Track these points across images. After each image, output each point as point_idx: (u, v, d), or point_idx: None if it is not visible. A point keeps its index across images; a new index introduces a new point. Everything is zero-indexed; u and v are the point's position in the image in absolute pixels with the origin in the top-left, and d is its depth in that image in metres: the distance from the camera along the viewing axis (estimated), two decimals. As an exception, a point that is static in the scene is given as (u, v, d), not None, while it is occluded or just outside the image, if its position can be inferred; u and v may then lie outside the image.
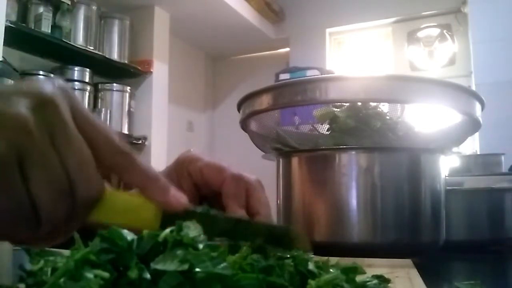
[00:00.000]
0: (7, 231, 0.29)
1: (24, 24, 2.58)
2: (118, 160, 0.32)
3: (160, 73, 3.45)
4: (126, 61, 3.23)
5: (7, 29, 2.32)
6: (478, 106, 0.74)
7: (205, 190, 0.46)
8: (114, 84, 3.18)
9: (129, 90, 3.25)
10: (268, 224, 0.40)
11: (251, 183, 0.45)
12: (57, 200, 0.29)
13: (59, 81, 0.32)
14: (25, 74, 2.67)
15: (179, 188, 0.44)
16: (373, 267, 0.50)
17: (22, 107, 0.28)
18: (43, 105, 0.29)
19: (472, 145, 2.79)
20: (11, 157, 0.27)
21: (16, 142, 0.28)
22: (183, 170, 0.46)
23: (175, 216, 0.33)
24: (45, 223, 0.29)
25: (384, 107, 0.77)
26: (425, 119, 0.80)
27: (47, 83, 0.31)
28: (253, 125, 0.84)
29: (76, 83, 2.93)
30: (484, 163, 1.24)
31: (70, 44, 2.81)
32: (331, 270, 0.31)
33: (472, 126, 0.77)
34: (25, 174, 0.28)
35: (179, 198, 0.34)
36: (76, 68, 2.93)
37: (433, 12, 3.75)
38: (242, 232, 0.38)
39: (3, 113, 0.28)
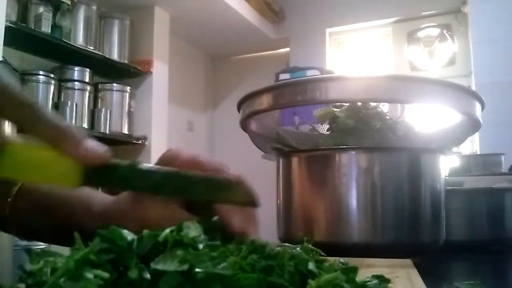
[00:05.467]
0: None
1: (24, 24, 2.58)
2: (22, 112, 0.30)
3: (160, 73, 3.45)
4: (126, 61, 3.23)
5: (7, 29, 2.32)
6: (478, 106, 0.74)
7: None
8: (114, 84, 3.18)
9: (129, 90, 3.25)
10: (208, 176, 0.37)
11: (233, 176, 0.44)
12: None
13: None
14: (25, 74, 2.67)
15: None
16: (373, 267, 0.50)
17: None
18: None
19: (472, 145, 2.79)
20: None
21: None
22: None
23: (99, 170, 0.31)
24: None
25: (384, 107, 0.77)
26: (425, 119, 0.80)
27: None
28: (253, 125, 0.84)
29: (76, 83, 2.93)
30: (484, 163, 1.24)
31: (70, 44, 2.81)
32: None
33: (472, 126, 0.77)
34: None
35: (94, 149, 0.32)
36: (76, 68, 2.93)
37: (433, 12, 3.75)
38: (178, 186, 0.35)
39: None
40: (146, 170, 0.34)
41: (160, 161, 0.46)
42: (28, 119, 0.30)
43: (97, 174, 0.31)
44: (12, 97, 0.30)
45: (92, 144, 0.32)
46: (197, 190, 0.35)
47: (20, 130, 0.31)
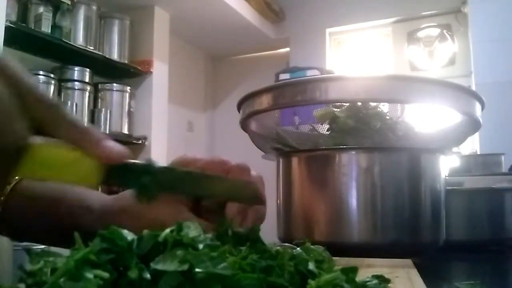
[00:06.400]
0: None
1: (24, 24, 2.58)
2: (46, 113, 0.31)
3: (160, 73, 3.45)
4: (126, 61, 3.23)
5: (7, 29, 2.32)
6: (478, 106, 0.74)
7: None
8: (114, 84, 3.18)
9: (129, 90, 3.25)
10: (224, 178, 0.39)
11: (254, 177, 0.45)
12: None
13: None
14: (25, 74, 2.67)
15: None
16: (373, 267, 0.50)
17: None
18: None
19: (472, 145, 2.79)
20: None
21: None
22: None
23: (118, 169, 0.32)
24: None
25: (384, 107, 0.77)
26: (425, 119, 0.80)
27: None
28: (253, 125, 0.84)
29: (76, 83, 2.93)
30: (484, 163, 1.24)
31: (70, 44, 2.81)
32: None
33: (472, 126, 0.77)
34: None
35: (116, 149, 0.33)
36: (76, 68, 2.93)
37: (433, 12, 3.75)
38: (196, 186, 0.36)
39: None
40: (164, 168, 0.35)
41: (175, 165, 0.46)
42: (53, 120, 0.32)
43: (117, 172, 0.32)
44: (39, 98, 0.31)
45: (113, 144, 0.33)
46: (212, 189, 0.36)
47: (40, 130, 0.32)
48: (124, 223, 0.34)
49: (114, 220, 0.39)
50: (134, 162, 0.34)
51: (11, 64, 0.31)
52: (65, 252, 0.26)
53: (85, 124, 0.33)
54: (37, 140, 0.31)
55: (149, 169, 0.35)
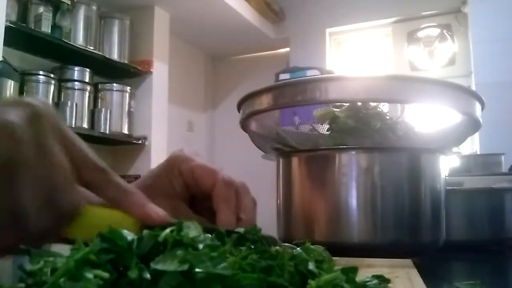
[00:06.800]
0: None
1: (24, 24, 2.58)
2: (95, 176, 0.34)
3: (160, 73, 3.45)
4: (126, 61, 3.23)
5: (7, 29, 2.32)
6: (478, 106, 0.74)
7: (195, 189, 0.46)
8: (114, 84, 3.18)
9: (129, 90, 3.25)
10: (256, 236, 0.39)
11: (239, 188, 0.45)
12: (41, 209, 0.30)
13: (44, 100, 0.34)
14: (25, 74, 2.67)
15: (169, 186, 0.45)
16: (373, 267, 0.50)
17: (13, 116, 0.30)
18: (34, 117, 0.31)
19: (472, 145, 2.79)
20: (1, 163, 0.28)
21: (4, 148, 0.29)
22: (174, 169, 0.46)
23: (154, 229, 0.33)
24: (27, 231, 0.29)
25: (384, 107, 0.77)
26: (425, 119, 0.80)
27: (35, 100, 0.32)
28: (253, 125, 0.84)
29: (76, 83, 2.93)
30: (484, 163, 1.24)
31: (70, 44, 2.81)
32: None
33: (472, 126, 0.77)
34: (14, 182, 0.29)
35: (156, 211, 0.35)
36: (76, 68, 2.93)
37: (433, 12, 3.75)
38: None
39: None
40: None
41: (170, 161, 0.46)
42: (100, 182, 0.34)
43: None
44: (90, 161, 0.34)
45: (155, 207, 0.35)
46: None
47: (86, 188, 0.34)
48: None
49: None
50: (172, 222, 0.36)
51: (62, 124, 0.33)
52: (65, 252, 0.26)
53: (129, 187, 0.35)
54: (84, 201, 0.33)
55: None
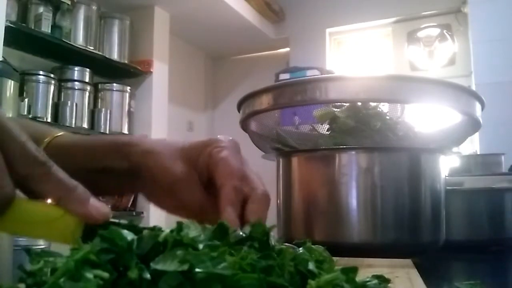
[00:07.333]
0: None
1: (24, 24, 2.58)
2: (34, 169, 0.31)
3: (160, 73, 3.45)
4: (126, 61, 3.23)
5: (7, 29, 2.32)
6: (478, 106, 0.74)
7: (211, 176, 0.45)
8: (114, 84, 3.18)
9: (129, 90, 3.25)
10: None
11: (259, 194, 0.44)
12: None
13: None
14: (25, 74, 2.67)
15: (195, 159, 0.44)
16: (373, 267, 0.50)
17: None
18: None
19: (472, 145, 2.79)
20: None
21: None
22: (207, 149, 0.45)
23: (97, 228, 0.31)
24: None
25: (384, 107, 0.77)
26: (425, 119, 0.80)
27: None
28: (253, 125, 0.84)
29: (76, 83, 2.93)
30: (484, 163, 1.24)
31: (70, 44, 2.81)
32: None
33: (472, 126, 0.77)
34: None
35: (99, 209, 0.33)
36: (76, 68, 2.93)
37: (433, 12, 3.76)
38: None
39: None
40: (146, 234, 0.34)
41: (209, 141, 0.45)
42: (39, 177, 0.32)
43: (96, 232, 0.32)
44: (28, 154, 0.31)
45: (97, 204, 0.33)
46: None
47: (25, 185, 0.32)
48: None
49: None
50: (116, 222, 0.34)
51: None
52: (65, 252, 0.26)
53: (72, 182, 0.33)
54: (19, 195, 0.31)
55: (131, 231, 0.35)
